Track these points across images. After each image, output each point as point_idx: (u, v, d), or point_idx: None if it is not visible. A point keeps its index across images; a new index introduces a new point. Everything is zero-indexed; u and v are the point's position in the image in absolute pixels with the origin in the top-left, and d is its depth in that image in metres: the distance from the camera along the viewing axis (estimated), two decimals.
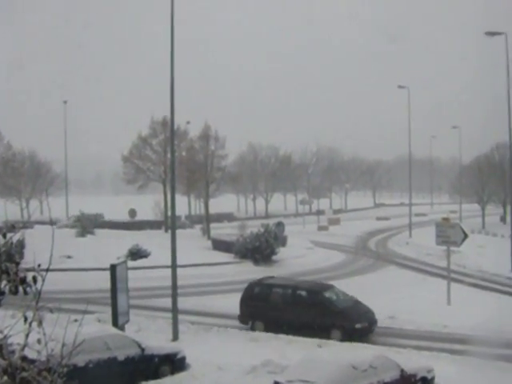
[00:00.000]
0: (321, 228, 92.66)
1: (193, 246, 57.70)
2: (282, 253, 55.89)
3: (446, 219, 38.26)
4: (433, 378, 20.29)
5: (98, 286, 36.20)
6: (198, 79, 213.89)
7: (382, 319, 32.34)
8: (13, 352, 7.27)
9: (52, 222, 56.93)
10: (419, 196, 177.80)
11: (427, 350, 26.45)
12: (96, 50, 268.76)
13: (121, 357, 20.05)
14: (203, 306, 36.25)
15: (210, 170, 70.30)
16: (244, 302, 31.47)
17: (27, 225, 59.97)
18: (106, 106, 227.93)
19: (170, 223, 46.82)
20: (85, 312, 16.50)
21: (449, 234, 35.98)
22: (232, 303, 36.92)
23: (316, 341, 27.46)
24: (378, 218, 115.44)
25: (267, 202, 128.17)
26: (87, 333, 17.35)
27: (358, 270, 53.06)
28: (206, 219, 72.82)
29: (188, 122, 75.89)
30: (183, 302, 31.25)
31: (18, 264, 7.15)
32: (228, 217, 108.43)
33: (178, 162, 57.30)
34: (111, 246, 52.50)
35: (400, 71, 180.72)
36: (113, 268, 26.37)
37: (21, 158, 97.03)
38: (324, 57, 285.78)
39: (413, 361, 22.22)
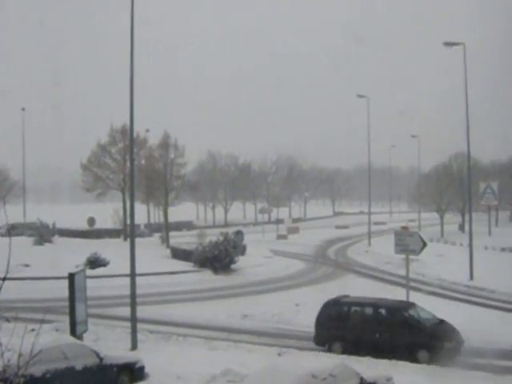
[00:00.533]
0: (280, 237, 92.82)
1: (152, 254, 57.40)
2: (241, 261, 55.83)
3: (404, 228, 38.42)
4: None
5: (56, 295, 35.77)
6: (158, 87, 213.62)
7: None
8: None
9: (8, 231, 56.24)
10: (378, 205, 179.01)
11: (386, 358, 26.49)
12: (53, 56, 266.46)
13: (79, 366, 19.82)
14: (162, 315, 36.02)
15: (170, 179, 70.18)
16: (320, 322, 29.14)
17: None
18: (65, 113, 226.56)
19: (128, 232, 46.58)
20: (42, 321, 16.21)
21: (408, 243, 36.07)
22: (191, 312, 36.93)
23: (277, 349, 27.42)
24: (338, 227, 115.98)
25: (226, 210, 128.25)
26: (44, 342, 17.10)
27: (318, 279, 53.18)
28: (165, 228, 72.67)
29: (147, 130, 75.81)
30: (142, 311, 31.02)
31: None
32: (187, 225, 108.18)
33: (137, 170, 57.04)
34: (69, 255, 51.98)
35: (360, 81, 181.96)
36: (71, 277, 26.09)
37: None
38: (283, 65, 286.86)
39: (372, 369, 22.24)
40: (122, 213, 73.41)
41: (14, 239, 67.16)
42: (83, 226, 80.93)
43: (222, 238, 55.53)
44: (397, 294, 39.94)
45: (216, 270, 53.15)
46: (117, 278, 43.11)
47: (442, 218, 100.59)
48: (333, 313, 29.28)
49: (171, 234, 72.78)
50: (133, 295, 27.59)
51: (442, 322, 28.45)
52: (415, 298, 38.11)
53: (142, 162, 73.67)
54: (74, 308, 25.73)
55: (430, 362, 25.85)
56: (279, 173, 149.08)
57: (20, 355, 13.80)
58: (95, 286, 36.31)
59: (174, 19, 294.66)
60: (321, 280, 52.56)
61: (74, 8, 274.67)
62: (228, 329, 32.71)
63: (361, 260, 66.93)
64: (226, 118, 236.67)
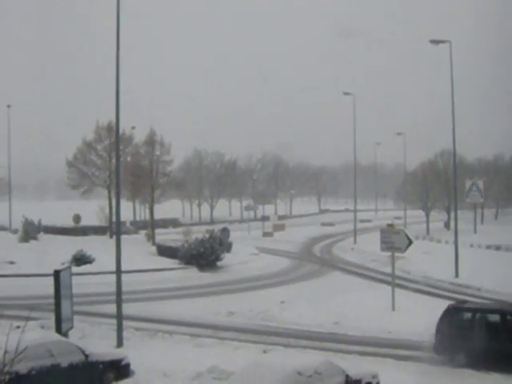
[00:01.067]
0: (266, 234, 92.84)
1: (138, 251, 57.40)
2: (226, 259, 55.92)
3: (390, 225, 38.56)
4: None
5: (42, 292, 35.67)
6: (144, 84, 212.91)
7: (327, 325, 32.53)
8: None
9: None
10: (364, 202, 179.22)
11: (372, 355, 26.52)
12: (39, 51, 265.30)
13: (64, 364, 19.75)
14: (148, 312, 35.96)
15: (155, 176, 70.09)
16: (440, 330, 26.14)
17: None
18: (50, 110, 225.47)
19: (114, 229, 46.51)
20: (28, 318, 16.23)
21: (393, 240, 36.20)
22: (177, 309, 36.89)
23: (263, 347, 27.42)
24: (323, 224, 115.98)
25: (212, 207, 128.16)
26: (30, 340, 17.07)
27: (303, 276, 53.25)
28: (151, 225, 72.62)
29: (133, 127, 75.71)
30: (128, 308, 30.96)
31: None
32: (173, 222, 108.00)
33: (123, 167, 56.92)
34: (55, 252, 51.88)
35: (346, 78, 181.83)
36: (56, 274, 26.02)
37: None
38: (269, 62, 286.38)
39: (358, 366, 22.26)
40: (107, 210, 73.29)
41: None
42: (69, 223, 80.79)
43: (207, 236, 55.60)
44: (383, 291, 40.15)
45: (202, 268, 53.17)
46: (102, 275, 43.05)
47: (427, 215, 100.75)
48: (454, 320, 26.34)
49: (157, 231, 72.71)
50: (118, 292, 27.53)
51: None
52: (401, 295, 38.41)
53: (128, 159, 73.53)
54: (59, 305, 25.66)
55: None
56: (265, 170, 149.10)
57: (5, 352, 13.78)
58: (81, 283, 36.26)
59: (161, 14, 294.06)
60: (307, 277, 52.64)
61: (59, 2, 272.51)
62: (214, 326, 32.68)
63: (346, 257, 67.03)
64: (212, 116, 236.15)
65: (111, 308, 29.46)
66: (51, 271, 26.98)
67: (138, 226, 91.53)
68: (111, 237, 66.07)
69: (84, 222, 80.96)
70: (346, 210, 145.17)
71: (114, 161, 62.94)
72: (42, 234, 71.02)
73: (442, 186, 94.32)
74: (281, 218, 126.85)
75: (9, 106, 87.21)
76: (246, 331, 31.80)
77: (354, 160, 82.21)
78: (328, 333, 31.37)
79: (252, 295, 43.17)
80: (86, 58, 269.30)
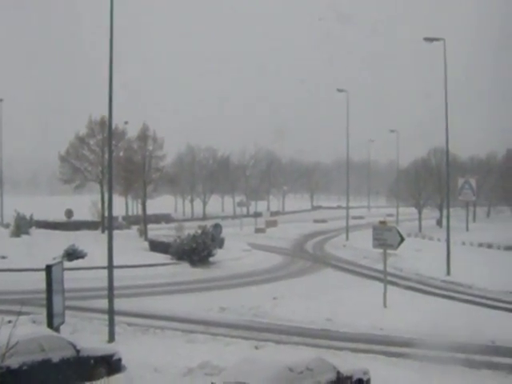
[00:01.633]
0: (258, 230, 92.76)
1: (130, 246, 57.35)
2: (219, 254, 55.88)
3: (382, 222, 38.62)
4: (368, 380, 20.39)
5: (33, 287, 35.61)
6: (137, 79, 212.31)
7: (319, 321, 32.58)
8: None
9: None
10: (357, 199, 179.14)
11: (363, 352, 26.59)
12: (33, 45, 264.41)
13: (55, 359, 19.73)
14: (140, 308, 35.98)
15: (148, 171, 70.06)
16: None
17: None
18: (42, 104, 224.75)
19: (106, 224, 46.47)
20: (19, 313, 16.19)
21: (386, 237, 36.28)
22: (169, 305, 36.89)
23: (254, 343, 27.44)
24: (316, 221, 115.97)
25: (205, 203, 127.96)
26: (21, 334, 17.05)
27: (296, 273, 53.28)
28: (144, 220, 72.55)
29: (126, 122, 75.55)
30: (120, 304, 30.91)
31: None
32: (165, 218, 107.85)
33: (115, 162, 56.83)
34: (47, 247, 51.86)
35: (340, 75, 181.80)
36: (48, 269, 25.94)
37: None
38: (262, 57, 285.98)
39: (349, 363, 22.30)
40: (100, 205, 73.26)
41: None
42: (61, 217, 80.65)
43: (200, 231, 55.58)
44: (375, 288, 40.21)
45: (194, 263, 53.14)
46: (94, 270, 42.91)
47: (420, 213, 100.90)
48: None
49: (149, 226, 72.67)
50: (110, 287, 27.51)
51: None
52: (393, 292, 38.49)
53: (121, 154, 73.48)
54: (51, 300, 25.60)
55: None
56: (258, 166, 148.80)
57: None
58: (73, 278, 36.17)
59: (154, 9, 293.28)
60: (299, 274, 52.68)
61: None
62: (205, 322, 32.69)
63: (339, 254, 67.08)
64: (205, 111, 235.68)
65: (103, 303, 29.41)
66: (43, 266, 26.86)
67: (130, 221, 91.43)
68: (103, 232, 66.01)
69: (76, 217, 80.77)
70: (339, 207, 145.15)
71: (106, 156, 62.86)
72: (33, 228, 70.97)
73: (435, 183, 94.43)
74: (273, 214, 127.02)
75: (1, 100, 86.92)
76: (237, 327, 31.86)
77: (346, 157, 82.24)
78: (320, 329, 31.44)
79: (244, 291, 43.19)
80: (80, 53, 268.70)
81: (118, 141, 72.25)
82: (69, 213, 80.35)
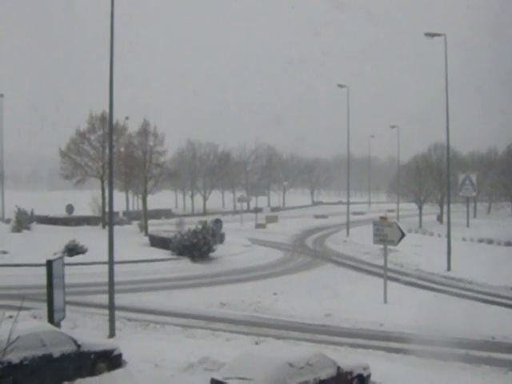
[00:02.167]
0: (259, 226, 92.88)
1: (130, 242, 57.45)
2: (219, 250, 55.90)
3: (383, 218, 38.62)
4: (369, 376, 20.43)
5: (34, 282, 35.70)
6: (138, 75, 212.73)
7: (319, 317, 32.59)
8: None
9: None
10: (357, 195, 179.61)
11: (363, 347, 26.62)
12: (33, 40, 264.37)
13: (56, 354, 19.76)
14: (140, 303, 35.95)
15: (149, 166, 70.04)
16: None
17: None
18: (43, 99, 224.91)
19: (107, 219, 46.52)
20: (20, 308, 16.21)
21: (386, 233, 36.32)
22: (169, 300, 36.90)
23: (254, 338, 27.47)
24: (316, 216, 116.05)
25: (205, 198, 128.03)
26: (22, 329, 17.11)
27: (296, 268, 53.25)
28: (144, 215, 72.59)
29: (127, 118, 75.65)
30: (120, 299, 30.99)
31: None
32: (166, 213, 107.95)
33: (116, 157, 56.97)
34: (48, 242, 51.88)
35: (340, 71, 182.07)
36: (49, 264, 25.96)
37: None
38: (263, 54, 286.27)
39: (349, 358, 22.35)
40: (100, 200, 73.29)
41: None
42: (62, 213, 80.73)
43: (200, 227, 55.53)
44: (375, 284, 40.26)
45: (194, 258, 53.15)
46: (95, 266, 43.02)
47: (420, 208, 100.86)
48: None
49: (150, 221, 72.72)
50: (111, 283, 27.52)
51: None
52: (393, 287, 38.55)
53: (122, 149, 73.48)
54: (51, 295, 25.61)
55: None
56: (258, 162, 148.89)
57: None
58: (73, 274, 36.32)
59: (156, 6, 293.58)
60: (299, 269, 52.65)
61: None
62: (206, 317, 32.70)
63: (339, 250, 67.07)
64: (206, 107, 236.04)
65: (103, 298, 29.44)
66: (44, 261, 26.88)
67: (130, 216, 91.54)
68: (104, 227, 66.07)
69: (77, 213, 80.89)
70: (339, 203, 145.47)
71: (107, 151, 62.89)
72: (34, 223, 70.93)
73: (435, 179, 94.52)
74: (274, 209, 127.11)
75: (2, 96, 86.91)
76: (238, 322, 31.86)
77: (347, 152, 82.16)
78: (320, 325, 31.44)
79: (244, 287, 43.16)
80: (80, 47, 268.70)
81: (119, 136, 72.30)
82: (69, 208, 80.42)
